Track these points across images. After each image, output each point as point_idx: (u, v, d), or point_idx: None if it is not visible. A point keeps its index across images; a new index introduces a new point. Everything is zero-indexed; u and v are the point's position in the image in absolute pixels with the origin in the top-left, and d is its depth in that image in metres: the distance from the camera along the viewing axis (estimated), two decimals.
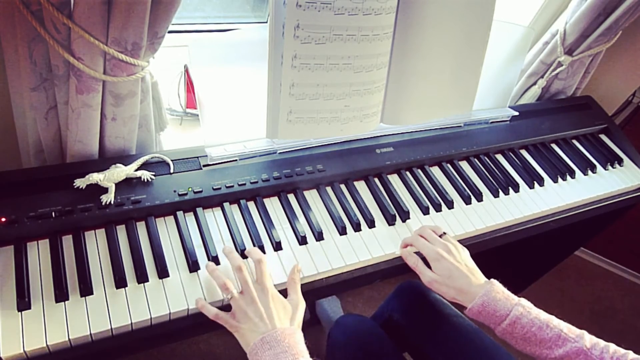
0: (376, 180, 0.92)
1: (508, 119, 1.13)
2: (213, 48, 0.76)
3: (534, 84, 1.23)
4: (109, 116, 0.73)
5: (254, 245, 0.75)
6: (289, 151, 0.88)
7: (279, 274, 0.73)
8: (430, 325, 0.92)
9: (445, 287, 0.74)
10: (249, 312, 0.63)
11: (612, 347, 0.65)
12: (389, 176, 0.94)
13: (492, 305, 0.70)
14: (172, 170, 0.79)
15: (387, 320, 1.00)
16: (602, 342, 0.66)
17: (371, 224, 0.84)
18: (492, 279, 0.74)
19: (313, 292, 0.76)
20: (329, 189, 0.88)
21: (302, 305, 0.68)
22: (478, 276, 0.75)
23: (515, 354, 0.84)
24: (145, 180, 0.75)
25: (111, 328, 0.62)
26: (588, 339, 0.66)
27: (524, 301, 0.71)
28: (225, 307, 0.67)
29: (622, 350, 0.65)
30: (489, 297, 0.70)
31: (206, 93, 0.78)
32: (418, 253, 0.80)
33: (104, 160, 0.76)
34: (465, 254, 0.79)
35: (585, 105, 1.27)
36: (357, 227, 0.83)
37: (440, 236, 0.80)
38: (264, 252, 0.75)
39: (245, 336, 0.62)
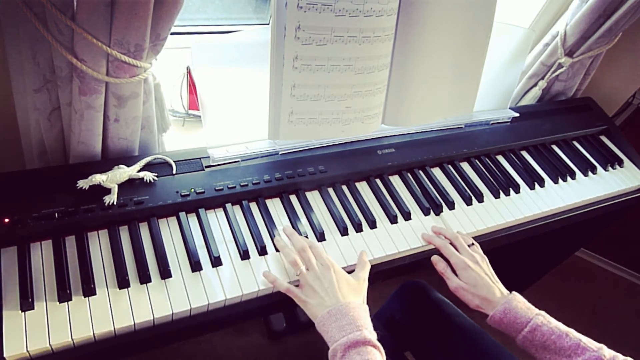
0: (378, 181, 0.93)
1: (509, 120, 1.13)
2: (215, 49, 0.76)
3: (535, 85, 1.23)
4: (112, 117, 0.74)
5: (255, 246, 0.76)
6: (291, 152, 0.89)
7: (281, 274, 0.73)
8: (432, 324, 0.93)
9: (471, 294, 0.77)
10: (315, 287, 0.68)
11: None
12: (390, 177, 0.94)
13: (513, 313, 0.72)
14: (174, 171, 0.79)
15: (389, 320, 1.00)
16: (620, 356, 0.67)
17: (372, 224, 0.84)
18: (513, 292, 0.77)
19: None
20: (330, 189, 0.88)
21: (366, 282, 0.73)
22: (501, 288, 0.78)
23: (518, 355, 0.84)
24: (148, 181, 0.75)
25: (114, 328, 0.62)
26: (607, 351, 0.67)
27: (544, 313, 0.73)
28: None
29: None
30: (510, 306, 0.73)
31: (208, 94, 0.78)
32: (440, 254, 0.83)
33: (107, 161, 0.77)
34: (490, 267, 0.82)
35: (586, 107, 1.27)
36: (358, 228, 0.83)
37: (469, 246, 0.83)
38: (266, 253, 0.75)
39: (313, 309, 0.67)
